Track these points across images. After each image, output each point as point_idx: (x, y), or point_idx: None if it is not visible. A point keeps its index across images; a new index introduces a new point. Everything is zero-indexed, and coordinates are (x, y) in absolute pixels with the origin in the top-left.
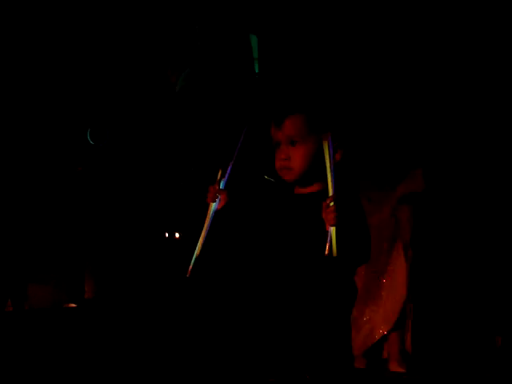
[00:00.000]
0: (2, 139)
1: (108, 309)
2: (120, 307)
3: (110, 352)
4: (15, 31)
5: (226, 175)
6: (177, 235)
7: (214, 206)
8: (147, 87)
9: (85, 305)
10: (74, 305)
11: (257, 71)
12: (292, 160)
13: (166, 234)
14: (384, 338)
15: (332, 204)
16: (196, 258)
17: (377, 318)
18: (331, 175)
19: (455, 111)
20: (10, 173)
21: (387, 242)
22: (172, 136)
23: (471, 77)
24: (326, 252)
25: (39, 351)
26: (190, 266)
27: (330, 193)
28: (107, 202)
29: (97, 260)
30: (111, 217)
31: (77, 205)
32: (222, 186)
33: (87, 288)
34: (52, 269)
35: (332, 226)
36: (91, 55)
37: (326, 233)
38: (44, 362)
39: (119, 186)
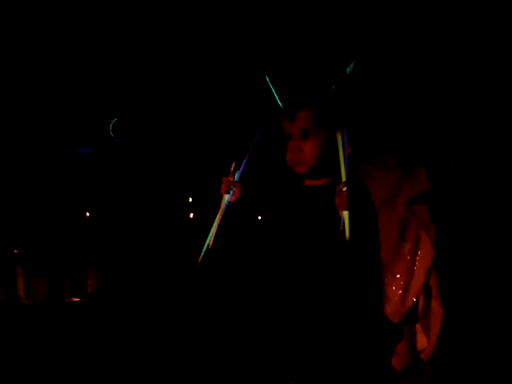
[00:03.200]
0: (7, 136)
1: (111, 303)
2: (123, 301)
3: (113, 346)
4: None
5: (241, 167)
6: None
7: (227, 197)
8: (161, 84)
9: (88, 299)
10: (77, 299)
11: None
12: (304, 153)
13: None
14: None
15: (345, 189)
16: (207, 249)
17: (409, 287)
18: (344, 163)
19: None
20: (15, 168)
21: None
22: (185, 128)
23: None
24: (347, 237)
25: (42, 345)
26: (200, 257)
27: (343, 179)
28: (110, 196)
29: (99, 254)
30: (114, 211)
31: (80, 199)
32: (236, 178)
33: (90, 282)
34: (55, 263)
35: (345, 210)
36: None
37: (337, 221)
38: (47, 355)
39: (123, 179)
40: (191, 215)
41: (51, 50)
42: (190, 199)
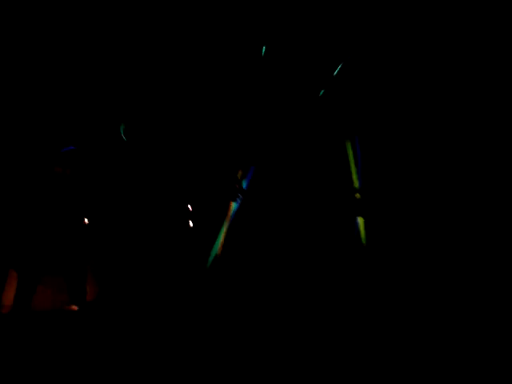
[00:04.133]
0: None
1: (110, 311)
2: (122, 309)
3: (112, 354)
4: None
5: (249, 175)
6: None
7: (234, 205)
8: (165, 87)
9: (86, 307)
10: (75, 307)
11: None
12: None
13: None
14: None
15: (358, 196)
16: (215, 258)
17: None
18: (356, 169)
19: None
20: (11, 176)
21: None
22: (192, 136)
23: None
24: (364, 242)
25: (41, 354)
26: (209, 264)
27: (356, 185)
28: (109, 205)
29: (98, 262)
30: (113, 218)
31: (78, 207)
32: (244, 186)
33: (89, 290)
34: (53, 271)
35: (360, 216)
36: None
37: (352, 225)
38: (46, 364)
39: (124, 188)
40: (190, 207)
41: (47, 49)
42: (190, 207)
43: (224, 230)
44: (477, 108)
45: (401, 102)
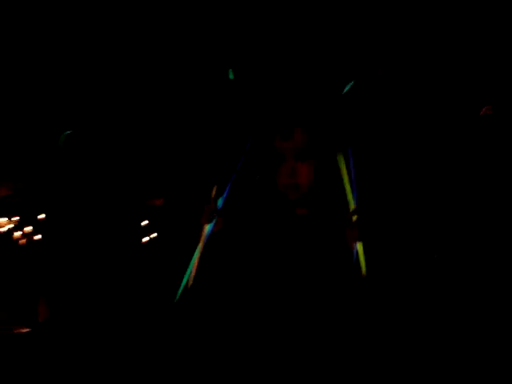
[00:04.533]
0: None
1: (64, 332)
2: (77, 330)
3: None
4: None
5: (225, 193)
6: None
7: (209, 227)
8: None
9: (39, 329)
10: (26, 329)
11: (231, 77)
12: (299, 177)
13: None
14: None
15: (355, 218)
16: (185, 289)
17: None
18: (352, 188)
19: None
20: None
21: None
22: (160, 149)
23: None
24: (363, 273)
25: None
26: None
27: (352, 206)
28: (65, 220)
29: (51, 280)
30: (68, 236)
31: (29, 223)
32: (219, 205)
33: (41, 310)
34: (3, 291)
35: (358, 242)
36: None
37: (349, 253)
38: None
39: (81, 204)
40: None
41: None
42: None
43: (196, 256)
44: (479, 118)
45: (398, 110)
